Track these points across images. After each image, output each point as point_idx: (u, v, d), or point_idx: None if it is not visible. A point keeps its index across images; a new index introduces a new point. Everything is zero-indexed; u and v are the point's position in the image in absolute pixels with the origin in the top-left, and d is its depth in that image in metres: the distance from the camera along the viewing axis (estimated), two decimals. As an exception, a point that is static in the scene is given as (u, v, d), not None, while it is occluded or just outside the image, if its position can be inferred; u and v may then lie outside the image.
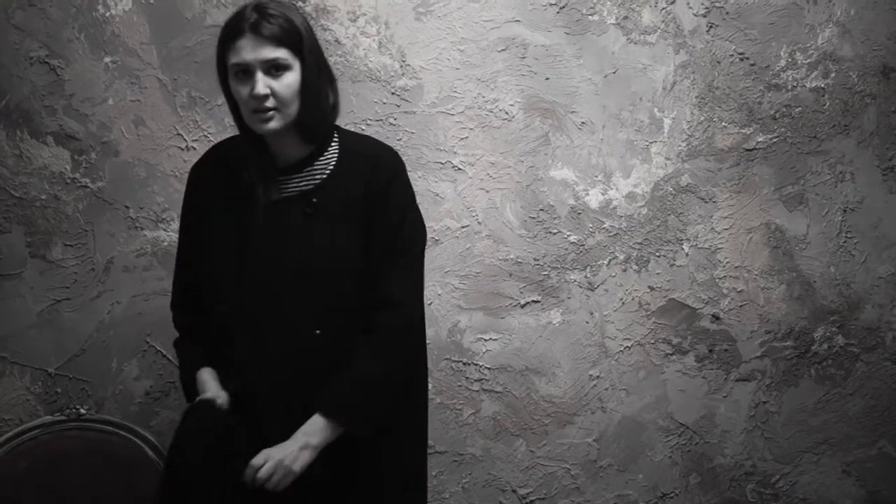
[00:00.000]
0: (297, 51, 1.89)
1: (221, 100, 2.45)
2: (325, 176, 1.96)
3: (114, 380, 2.48)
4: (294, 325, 1.91)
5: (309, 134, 1.95)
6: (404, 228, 1.96)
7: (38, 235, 2.46)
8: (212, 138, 2.49)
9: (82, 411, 2.38)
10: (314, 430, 1.87)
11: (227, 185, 1.99)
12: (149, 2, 2.47)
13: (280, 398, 1.91)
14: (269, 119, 1.89)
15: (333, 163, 1.97)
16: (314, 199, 1.94)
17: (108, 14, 2.46)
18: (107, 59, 2.47)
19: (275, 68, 1.87)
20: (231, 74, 1.91)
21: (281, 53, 1.87)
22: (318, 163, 1.96)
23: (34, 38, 2.44)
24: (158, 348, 2.49)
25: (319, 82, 1.94)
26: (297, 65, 1.89)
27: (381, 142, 2.07)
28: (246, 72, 1.88)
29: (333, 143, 1.99)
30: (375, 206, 1.94)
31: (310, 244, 1.92)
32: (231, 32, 1.90)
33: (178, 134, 2.49)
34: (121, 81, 2.47)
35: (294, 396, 1.91)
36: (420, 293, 1.99)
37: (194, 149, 2.49)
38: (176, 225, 2.48)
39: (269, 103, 1.87)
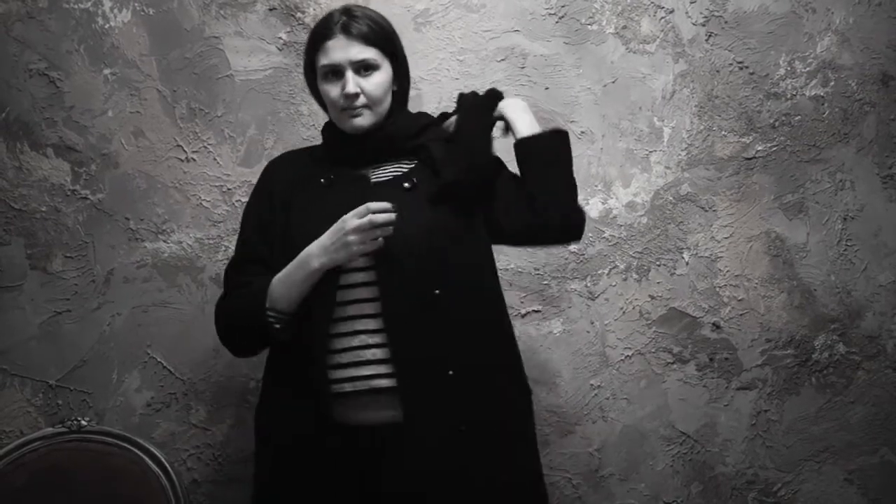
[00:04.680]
0: (386, 51, 1.96)
1: (221, 111, 2.49)
2: (414, 164, 2.01)
3: (115, 391, 2.48)
4: (415, 288, 1.89)
5: (402, 128, 2.01)
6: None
7: (39, 247, 2.46)
8: (211, 149, 2.49)
9: (83, 423, 2.38)
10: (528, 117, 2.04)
11: (308, 176, 2.03)
12: (148, 13, 2.48)
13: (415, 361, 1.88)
14: (358, 116, 1.95)
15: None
16: (414, 179, 1.97)
17: (107, 26, 2.47)
18: (106, 71, 2.47)
19: (364, 68, 1.93)
20: (320, 76, 1.97)
21: (370, 54, 1.93)
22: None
23: (33, 51, 2.44)
24: (159, 360, 2.49)
25: (403, 83, 2.04)
26: (385, 64, 1.96)
27: None
28: (336, 72, 1.94)
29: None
30: None
31: (414, 213, 1.92)
32: (321, 35, 1.96)
33: (178, 145, 2.49)
34: (120, 93, 2.48)
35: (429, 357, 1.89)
36: None
37: (194, 160, 2.49)
38: (176, 236, 2.49)
39: (360, 101, 1.93)
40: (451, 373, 1.89)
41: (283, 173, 2.08)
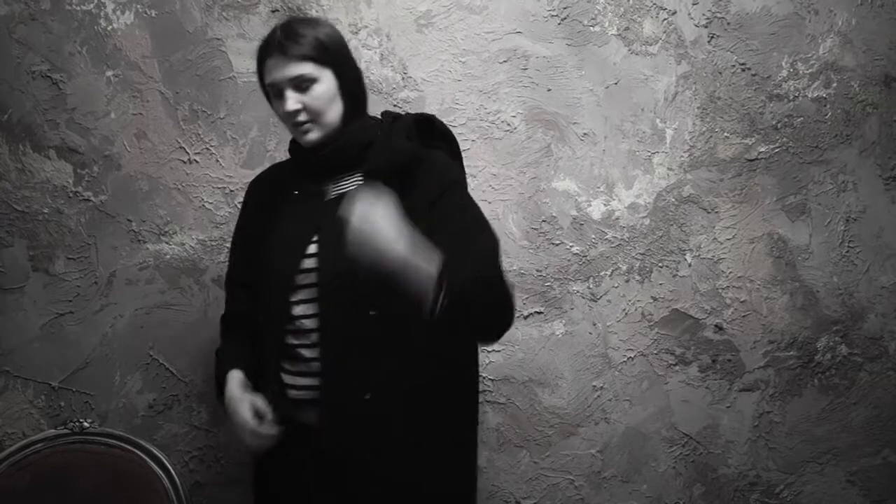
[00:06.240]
0: (324, 62, 1.94)
1: (223, 112, 2.50)
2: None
3: (117, 393, 2.48)
4: (351, 309, 1.90)
5: (351, 140, 1.99)
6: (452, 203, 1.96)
7: (41, 249, 2.46)
8: (214, 151, 2.49)
9: (86, 425, 2.38)
10: (425, 255, 1.74)
11: (282, 192, 2.07)
12: (150, 15, 2.48)
13: (339, 378, 1.92)
14: (308, 131, 1.96)
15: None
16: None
17: (109, 28, 2.47)
18: (109, 73, 2.47)
19: (302, 83, 1.92)
20: (268, 94, 2.00)
21: (305, 69, 1.92)
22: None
23: (36, 53, 2.44)
24: (161, 361, 2.49)
25: (353, 88, 2.00)
26: (325, 75, 1.94)
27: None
28: (278, 91, 1.95)
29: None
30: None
31: None
32: (262, 54, 1.98)
33: (181, 147, 2.49)
34: (123, 95, 2.47)
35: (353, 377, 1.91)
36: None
37: (196, 162, 2.49)
38: (178, 238, 2.49)
39: (302, 117, 1.94)
40: (367, 397, 1.89)
41: (265, 187, 2.14)
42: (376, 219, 1.70)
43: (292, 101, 1.92)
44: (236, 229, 2.19)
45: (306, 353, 1.94)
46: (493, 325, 1.88)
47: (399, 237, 1.71)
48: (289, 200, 2.05)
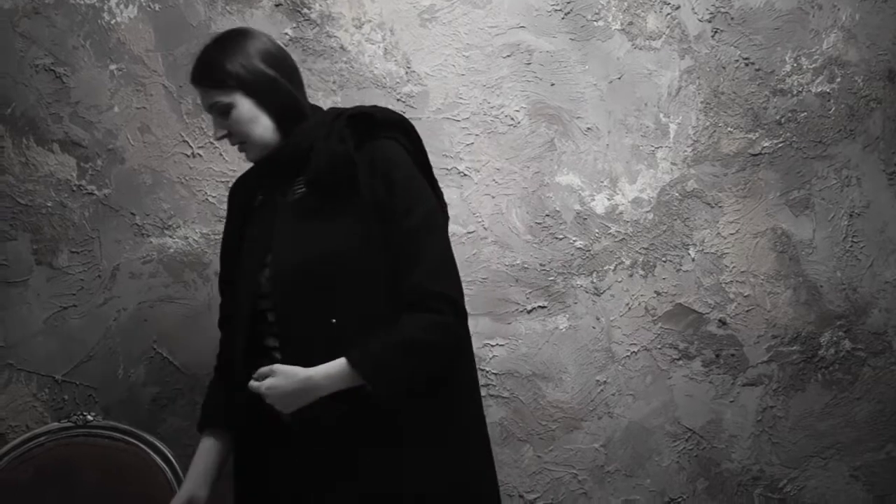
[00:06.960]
0: (231, 86, 1.91)
1: (227, 106, 2.49)
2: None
3: (120, 386, 2.48)
4: (310, 316, 1.89)
5: (288, 149, 1.96)
6: (404, 205, 1.89)
7: (45, 242, 2.46)
8: (217, 145, 2.49)
9: (89, 418, 2.38)
10: (330, 371, 1.82)
11: (252, 196, 2.08)
12: (154, 9, 2.48)
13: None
14: (244, 151, 1.98)
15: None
16: (311, 199, 1.95)
17: (113, 22, 2.47)
18: (112, 67, 2.47)
19: (221, 109, 1.93)
20: None
21: (216, 97, 1.93)
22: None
23: (40, 46, 2.44)
24: (165, 355, 2.49)
25: (275, 101, 1.94)
26: (237, 98, 1.91)
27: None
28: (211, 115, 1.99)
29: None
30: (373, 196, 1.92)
31: (316, 237, 1.92)
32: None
33: (184, 141, 2.49)
34: (126, 89, 2.48)
35: None
36: (455, 278, 1.92)
37: (200, 155, 2.49)
38: (182, 231, 2.49)
39: (231, 141, 1.96)
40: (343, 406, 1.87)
41: (240, 190, 2.14)
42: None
43: (218, 127, 1.95)
44: (223, 235, 2.17)
45: (279, 355, 1.93)
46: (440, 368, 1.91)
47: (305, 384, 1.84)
48: (255, 205, 2.06)
